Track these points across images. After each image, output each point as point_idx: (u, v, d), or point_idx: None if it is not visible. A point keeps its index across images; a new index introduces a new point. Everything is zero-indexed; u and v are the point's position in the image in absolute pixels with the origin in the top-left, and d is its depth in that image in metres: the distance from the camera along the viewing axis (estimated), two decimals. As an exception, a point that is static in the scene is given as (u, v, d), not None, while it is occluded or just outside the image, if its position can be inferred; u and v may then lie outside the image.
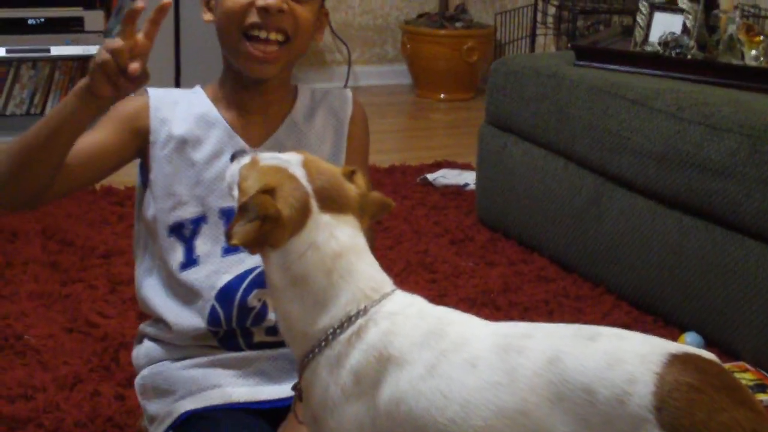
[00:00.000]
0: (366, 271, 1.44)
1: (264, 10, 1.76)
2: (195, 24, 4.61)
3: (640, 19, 3.13)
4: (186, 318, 1.82)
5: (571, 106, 3.04)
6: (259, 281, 1.77)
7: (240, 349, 1.83)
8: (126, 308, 2.70)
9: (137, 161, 1.89)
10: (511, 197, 3.34)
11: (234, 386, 1.80)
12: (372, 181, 1.85)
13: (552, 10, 5.19)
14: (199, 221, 1.83)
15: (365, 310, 1.41)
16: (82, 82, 1.62)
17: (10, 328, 2.55)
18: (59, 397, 2.24)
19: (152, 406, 1.87)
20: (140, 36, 1.58)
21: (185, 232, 1.83)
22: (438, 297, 2.81)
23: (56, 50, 4.44)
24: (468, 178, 3.90)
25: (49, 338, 2.52)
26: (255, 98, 1.87)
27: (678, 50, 3.03)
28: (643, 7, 3.12)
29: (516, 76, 3.29)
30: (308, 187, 1.44)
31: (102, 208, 3.50)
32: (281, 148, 1.62)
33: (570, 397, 1.26)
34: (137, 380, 1.92)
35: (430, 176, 3.97)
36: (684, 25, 3.04)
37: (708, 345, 2.56)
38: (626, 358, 1.25)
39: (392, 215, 3.32)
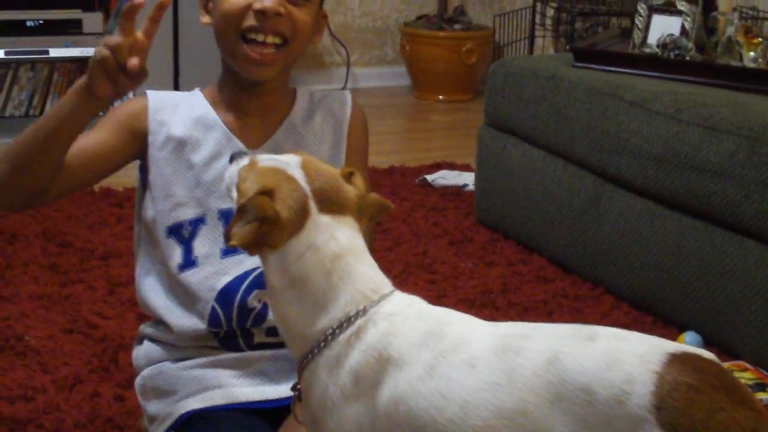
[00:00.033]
0: (365, 273, 1.44)
1: (261, 14, 1.76)
2: (193, 26, 4.61)
3: (639, 21, 3.13)
4: (186, 319, 1.82)
5: (570, 107, 3.04)
6: (259, 282, 1.77)
7: (240, 350, 1.83)
8: (125, 309, 2.71)
9: (137, 163, 1.89)
10: (510, 198, 3.34)
11: (236, 386, 1.81)
12: (371, 183, 1.86)
13: (550, 12, 5.19)
14: (197, 223, 1.83)
15: (364, 311, 1.41)
16: (81, 81, 1.62)
17: (10, 329, 2.55)
18: (59, 398, 2.24)
19: (152, 407, 1.87)
20: (139, 34, 1.58)
21: (184, 233, 1.83)
22: (437, 298, 2.82)
23: (55, 52, 4.44)
24: (467, 179, 3.91)
25: (49, 339, 2.52)
26: (253, 100, 1.87)
27: (676, 52, 3.03)
28: (642, 9, 3.12)
29: (515, 78, 3.29)
30: (307, 189, 1.44)
31: (101, 209, 3.50)
32: (280, 150, 1.62)
33: (569, 397, 1.26)
34: (137, 381, 1.92)
35: (429, 177, 3.97)
36: (682, 27, 3.05)
37: (707, 344, 2.56)
38: (625, 358, 1.25)
39: (391, 216, 3.32)
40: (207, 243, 1.82)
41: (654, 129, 2.74)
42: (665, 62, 3.03)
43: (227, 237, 1.40)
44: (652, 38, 3.10)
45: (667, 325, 2.74)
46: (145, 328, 1.92)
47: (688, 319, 2.68)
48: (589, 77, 3.05)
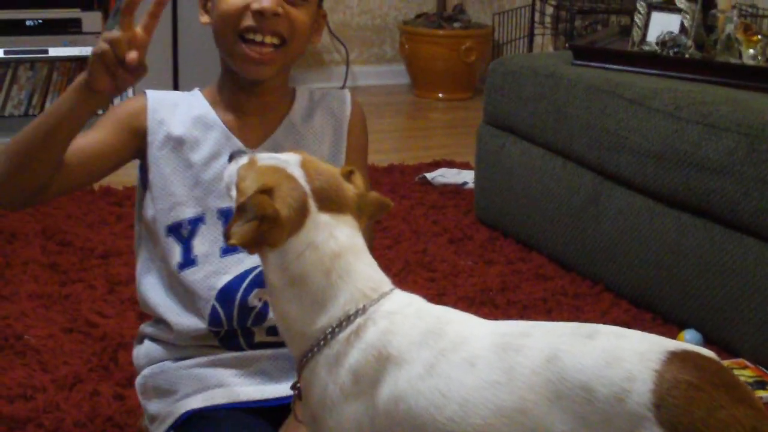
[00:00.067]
0: (364, 271, 1.44)
1: (259, 14, 1.76)
2: (192, 26, 4.61)
3: (638, 19, 3.13)
4: (186, 318, 1.82)
5: (569, 105, 3.04)
6: (259, 281, 1.77)
7: (241, 349, 1.83)
8: (125, 308, 2.71)
9: (136, 162, 1.89)
10: (509, 196, 3.35)
11: (236, 386, 1.81)
12: (370, 181, 1.85)
13: (550, 10, 5.19)
14: (197, 222, 1.83)
15: (364, 310, 1.41)
16: (81, 77, 1.62)
17: (9, 329, 2.56)
18: (59, 397, 2.24)
19: (153, 406, 1.87)
20: (139, 29, 1.58)
21: (183, 232, 1.83)
22: (437, 296, 2.82)
23: (54, 51, 4.44)
24: (467, 177, 3.91)
25: (49, 338, 2.52)
26: (252, 100, 1.87)
27: (676, 50, 3.03)
28: (641, 6, 3.12)
29: (514, 76, 3.29)
30: (306, 187, 1.44)
31: (101, 208, 3.50)
32: (279, 150, 1.62)
33: (568, 395, 1.26)
34: (138, 380, 1.92)
35: (428, 175, 3.97)
36: (682, 24, 3.05)
37: (707, 342, 2.56)
38: (625, 356, 1.25)
39: (391, 214, 3.33)
40: (206, 242, 1.82)
41: (653, 127, 2.74)
42: (664, 60, 3.03)
43: (227, 236, 1.40)
44: (652, 36, 3.10)
45: (666, 322, 2.75)
46: (146, 328, 1.92)
47: (687, 317, 2.68)
48: (589, 75, 3.05)
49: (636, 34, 3.14)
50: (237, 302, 1.79)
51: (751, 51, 2.92)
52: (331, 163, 1.57)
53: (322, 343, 1.41)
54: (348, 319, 1.41)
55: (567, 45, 4.19)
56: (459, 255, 3.23)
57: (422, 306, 1.45)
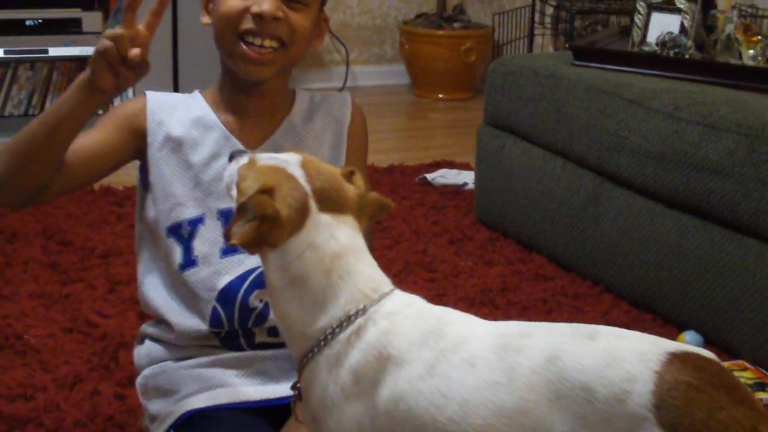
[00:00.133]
0: (365, 271, 1.44)
1: (259, 17, 1.75)
2: (193, 27, 4.62)
3: (638, 19, 3.13)
4: (188, 319, 1.82)
5: (569, 106, 3.04)
6: (260, 282, 1.77)
7: (242, 350, 1.83)
8: (125, 308, 2.71)
9: (137, 162, 1.89)
10: (509, 197, 3.35)
11: (237, 386, 1.81)
12: (371, 181, 1.85)
13: (550, 11, 5.19)
14: (196, 222, 1.83)
15: (364, 310, 1.41)
16: (82, 76, 1.62)
17: (10, 328, 2.56)
18: (59, 396, 2.24)
19: (153, 406, 1.87)
20: (141, 27, 1.59)
21: (183, 232, 1.83)
22: (437, 296, 2.82)
23: (54, 51, 4.44)
24: (467, 178, 3.91)
25: (49, 338, 2.52)
26: (252, 101, 1.87)
27: (676, 50, 3.03)
28: (641, 7, 3.12)
29: (514, 77, 3.29)
30: (307, 187, 1.44)
31: (101, 208, 3.50)
32: (278, 151, 1.62)
33: (569, 395, 1.26)
34: (138, 380, 1.92)
35: (429, 176, 3.97)
36: (682, 25, 3.05)
37: (707, 344, 2.56)
38: (625, 356, 1.25)
39: (391, 215, 3.33)
40: (206, 243, 1.82)
41: (653, 127, 2.74)
42: (664, 60, 3.03)
43: (227, 236, 1.40)
44: (652, 36, 3.10)
45: (666, 323, 2.75)
46: (147, 328, 1.92)
47: (687, 318, 2.68)
48: (589, 75, 3.05)
49: (636, 34, 3.14)
50: (238, 303, 1.80)
51: (751, 51, 2.92)
52: (330, 164, 1.57)
53: (322, 343, 1.41)
54: (348, 319, 1.41)
55: (567, 45, 4.19)
56: (459, 255, 3.23)
57: (422, 306, 1.45)
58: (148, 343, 1.91)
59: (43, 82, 4.52)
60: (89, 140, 1.77)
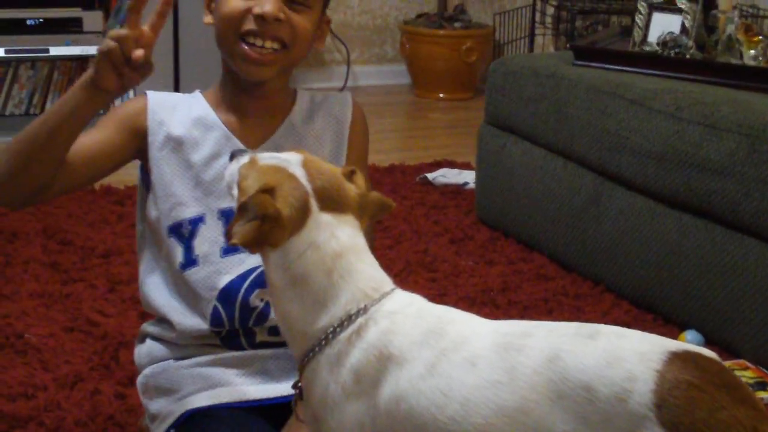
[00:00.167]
0: (366, 271, 1.45)
1: (260, 18, 1.75)
2: (194, 27, 4.61)
3: (639, 19, 3.13)
4: (189, 318, 1.82)
5: (570, 105, 3.04)
6: (261, 281, 1.77)
7: (242, 349, 1.83)
8: (126, 307, 2.71)
9: (137, 161, 1.89)
10: (510, 197, 3.35)
11: (238, 385, 1.81)
12: (371, 181, 1.86)
13: (551, 11, 5.19)
14: (197, 222, 1.83)
15: (365, 309, 1.41)
16: (86, 76, 1.62)
17: (10, 327, 2.56)
18: (60, 395, 2.24)
19: (154, 405, 1.87)
20: (145, 27, 1.59)
21: (183, 232, 1.83)
22: (438, 296, 2.82)
23: (55, 50, 4.44)
24: (468, 178, 3.91)
25: (50, 337, 2.52)
26: (253, 101, 1.87)
27: (677, 50, 3.03)
28: (642, 7, 3.12)
29: (515, 76, 3.29)
30: (308, 187, 1.44)
31: (102, 207, 3.50)
32: (279, 150, 1.62)
33: (570, 395, 1.26)
34: (139, 379, 1.92)
35: (429, 175, 3.97)
36: (682, 25, 3.05)
37: (708, 343, 2.56)
38: (626, 356, 1.25)
39: (392, 215, 3.32)
40: (206, 242, 1.82)
41: (654, 127, 2.74)
42: (665, 60, 3.03)
43: (228, 235, 1.40)
44: (653, 36, 3.10)
45: (667, 323, 2.75)
46: (148, 327, 1.92)
47: (688, 318, 2.68)
48: (589, 75, 3.05)
49: (637, 34, 3.14)
50: (238, 302, 1.80)
51: (752, 52, 2.92)
52: (331, 164, 1.57)
53: (323, 342, 1.41)
54: (349, 318, 1.41)
55: (568, 45, 4.19)
56: (460, 255, 3.23)
57: (423, 306, 1.45)
58: (149, 342, 1.91)
59: (44, 82, 4.52)
60: (90, 140, 1.77)
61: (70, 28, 4.46)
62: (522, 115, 3.26)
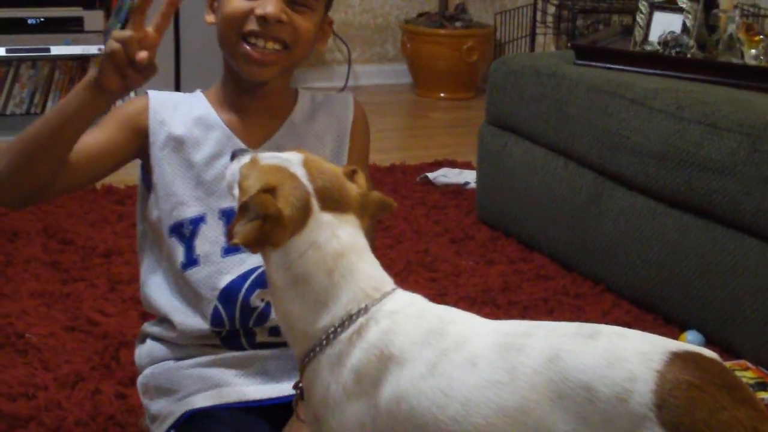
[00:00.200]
0: (367, 271, 1.45)
1: (262, 19, 1.75)
2: (195, 27, 4.62)
3: (640, 19, 3.13)
4: (190, 318, 1.82)
5: (571, 105, 3.04)
6: (262, 281, 1.77)
7: (242, 349, 1.83)
8: (126, 307, 2.71)
9: (138, 161, 1.89)
10: (511, 196, 3.34)
11: (238, 385, 1.81)
12: (372, 181, 1.86)
13: (552, 10, 5.19)
14: (198, 221, 1.83)
15: (366, 309, 1.41)
16: (89, 76, 1.62)
17: (11, 327, 2.56)
18: (60, 395, 2.24)
19: (154, 405, 1.87)
20: (150, 29, 1.59)
21: (185, 232, 1.83)
22: (438, 296, 2.82)
23: (56, 50, 4.44)
24: (468, 177, 3.90)
25: (50, 337, 2.52)
26: (255, 101, 1.87)
27: (678, 49, 3.03)
28: (643, 6, 3.12)
29: (516, 76, 3.29)
30: (309, 187, 1.44)
31: (103, 207, 3.50)
32: (280, 150, 1.63)
33: (570, 395, 1.26)
34: (139, 379, 1.92)
35: (430, 175, 3.97)
36: (684, 24, 3.05)
37: (709, 343, 2.56)
38: (626, 356, 1.25)
39: (392, 214, 3.32)
40: (207, 242, 1.82)
41: (655, 126, 2.74)
42: (666, 60, 3.03)
43: (230, 235, 1.40)
44: (654, 36, 3.10)
45: (668, 323, 2.75)
46: (148, 327, 1.92)
47: (689, 318, 2.68)
48: (590, 75, 3.05)
49: (638, 33, 3.14)
50: (239, 302, 1.80)
51: (753, 51, 2.92)
52: (332, 164, 1.57)
53: (324, 342, 1.41)
54: (350, 318, 1.41)
55: (569, 44, 4.19)
56: (460, 255, 3.23)
57: (424, 306, 1.45)
58: (149, 342, 1.91)
59: (44, 81, 4.52)
60: (91, 139, 1.77)
61: (70, 27, 4.45)
62: (523, 114, 3.26)
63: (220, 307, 1.80)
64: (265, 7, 1.75)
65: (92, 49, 4.39)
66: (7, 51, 4.38)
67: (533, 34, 5.24)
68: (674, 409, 1.20)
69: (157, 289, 1.87)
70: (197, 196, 1.83)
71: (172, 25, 4.71)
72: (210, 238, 1.82)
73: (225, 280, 1.80)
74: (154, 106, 1.85)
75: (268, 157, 1.50)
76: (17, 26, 4.40)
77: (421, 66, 5.60)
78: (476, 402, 1.31)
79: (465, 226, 3.47)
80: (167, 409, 1.83)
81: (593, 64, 3.15)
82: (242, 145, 1.81)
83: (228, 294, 1.80)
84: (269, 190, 1.41)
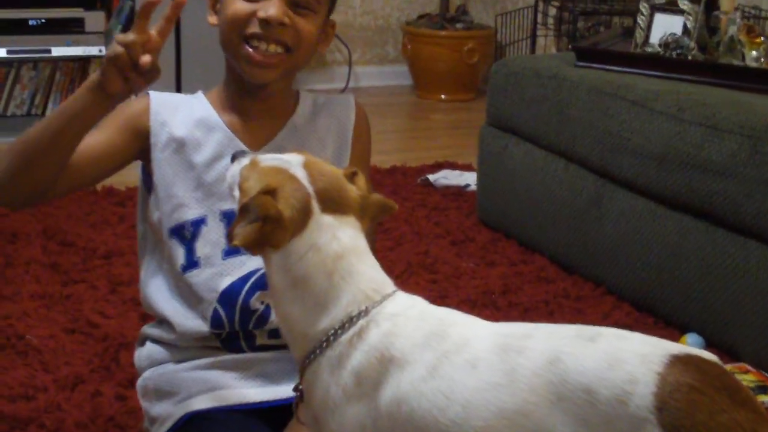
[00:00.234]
0: (367, 273, 1.44)
1: (265, 22, 1.75)
2: (196, 29, 4.61)
3: (641, 21, 3.13)
4: (190, 320, 1.82)
5: (572, 107, 3.04)
6: (262, 283, 1.77)
7: (242, 351, 1.83)
8: (127, 309, 2.71)
9: (139, 162, 1.89)
10: (511, 198, 3.34)
11: (237, 388, 1.81)
12: (372, 182, 1.86)
13: (552, 12, 5.19)
14: (199, 223, 1.83)
15: (366, 311, 1.41)
16: (92, 78, 1.62)
17: (11, 328, 2.56)
18: (60, 397, 2.24)
19: (153, 408, 1.87)
20: (153, 32, 1.59)
21: (185, 234, 1.83)
22: (439, 298, 2.82)
23: (57, 51, 4.44)
24: (469, 179, 3.90)
25: (51, 338, 2.52)
26: (256, 103, 1.87)
27: (678, 51, 3.03)
28: (644, 8, 3.12)
29: (516, 78, 3.29)
30: (309, 188, 1.44)
31: (103, 208, 3.50)
32: (281, 152, 1.63)
33: (570, 397, 1.26)
34: (139, 382, 1.92)
35: (431, 177, 3.97)
36: (684, 26, 3.05)
37: (709, 346, 2.56)
38: (626, 358, 1.25)
39: (393, 216, 3.29)
40: (208, 244, 1.82)
41: (656, 128, 2.74)
42: (667, 62, 3.03)
43: (230, 237, 1.40)
44: (654, 37, 3.09)
45: (668, 326, 2.74)
46: (147, 329, 1.92)
47: (689, 320, 2.67)
48: (591, 77, 3.05)
49: (639, 35, 3.14)
50: (239, 305, 1.79)
51: (754, 53, 2.92)
52: (334, 166, 1.57)
53: (324, 344, 1.41)
54: (350, 320, 1.41)
55: (570, 46, 4.19)
56: (461, 257, 3.23)
57: (425, 308, 1.45)
58: (148, 345, 1.91)
59: (45, 82, 4.52)
60: (92, 141, 1.77)
61: (71, 28, 4.45)
62: (523, 116, 3.26)
63: (219, 309, 1.80)
64: (268, 9, 1.75)
65: (93, 50, 4.39)
66: (8, 52, 4.38)
67: (534, 36, 5.24)
68: (674, 412, 1.20)
69: (157, 291, 1.87)
70: (198, 198, 1.83)
71: (173, 27, 4.71)
72: (211, 240, 1.82)
73: (225, 283, 1.80)
74: (156, 108, 1.85)
75: (268, 159, 1.50)
76: (18, 27, 4.40)
77: (421, 67, 5.60)
78: (476, 404, 1.31)
79: (465, 227, 3.47)
80: (166, 411, 1.83)
81: (594, 65, 3.15)
82: (243, 147, 1.81)
83: (228, 296, 1.80)
84: (269, 192, 1.41)
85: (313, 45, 1.83)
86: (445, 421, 1.32)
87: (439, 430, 1.32)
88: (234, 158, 1.56)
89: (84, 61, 4.48)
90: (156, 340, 1.89)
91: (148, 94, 1.87)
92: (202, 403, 1.80)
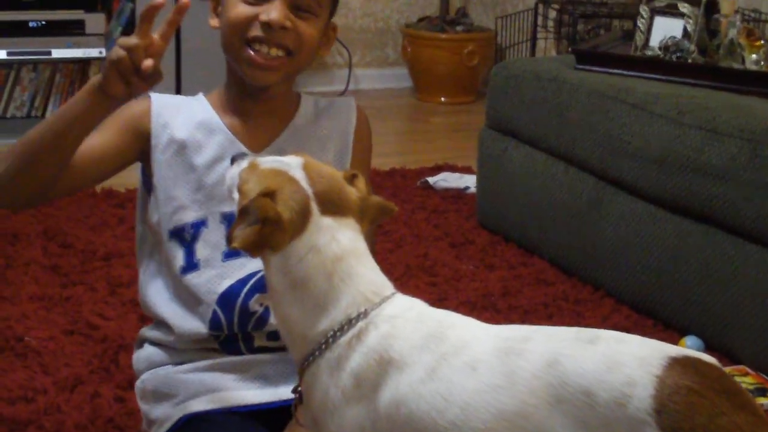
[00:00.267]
0: (366, 275, 1.45)
1: (267, 25, 1.75)
2: (196, 31, 4.60)
3: (641, 24, 3.13)
4: (189, 322, 1.82)
5: (572, 110, 3.04)
6: (261, 285, 1.77)
7: (240, 354, 1.82)
8: (126, 310, 2.71)
9: (138, 164, 1.89)
10: (511, 201, 3.34)
11: (235, 390, 1.80)
12: (372, 185, 1.86)
13: (553, 14, 5.19)
14: (199, 225, 1.83)
15: (365, 313, 1.41)
16: (94, 81, 1.62)
17: (10, 330, 2.56)
18: (60, 399, 2.24)
19: (152, 410, 1.87)
20: (155, 36, 1.59)
21: (185, 236, 1.83)
22: (438, 300, 2.82)
23: (57, 53, 4.44)
24: (469, 182, 3.90)
25: (50, 340, 2.52)
26: (257, 105, 1.87)
27: (678, 54, 3.03)
28: (644, 11, 3.12)
29: (516, 80, 3.29)
30: (309, 190, 1.44)
31: (103, 210, 3.50)
32: (282, 155, 1.63)
33: (569, 399, 1.26)
34: (137, 384, 1.92)
35: (430, 179, 3.97)
36: (685, 29, 3.05)
37: (708, 349, 2.55)
38: (626, 361, 1.25)
39: (392, 218, 3.31)
40: (208, 246, 1.82)
41: (655, 132, 2.74)
42: (667, 65, 3.03)
43: (229, 239, 1.40)
44: (654, 40, 3.10)
45: (667, 329, 2.74)
46: (146, 332, 1.92)
47: (688, 323, 2.67)
48: (591, 79, 3.05)
49: (639, 38, 3.14)
50: (238, 307, 1.79)
51: (754, 56, 2.92)
52: (334, 168, 1.57)
53: (323, 346, 1.41)
54: (350, 322, 1.41)
55: (570, 49, 4.18)
56: (460, 259, 3.23)
57: (424, 310, 1.45)
58: (147, 347, 1.91)
59: (45, 84, 4.52)
60: (93, 142, 1.77)
61: (72, 30, 4.46)
62: (523, 119, 3.26)
63: (218, 311, 1.80)
64: (270, 13, 1.75)
65: (93, 52, 4.39)
66: (8, 54, 4.38)
67: (534, 39, 5.24)
68: (673, 414, 1.20)
69: (156, 293, 1.87)
70: (198, 200, 1.83)
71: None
72: (211, 242, 1.82)
73: (224, 285, 1.80)
74: (157, 109, 1.85)
75: (267, 161, 1.50)
76: (18, 29, 4.40)
77: (421, 70, 5.60)
78: (475, 406, 1.31)
79: (465, 230, 3.47)
80: (165, 413, 1.83)
81: (594, 68, 3.15)
82: (244, 150, 1.81)
83: (227, 298, 1.80)
84: (269, 194, 1.41)
85: (315, 48, 1.83)
86: (444, 423, 1.32)
87: (437, 432, 1.32)
88: (233, 161, 1.56)
89: (84, 63, 4.48)
90: (154, 343, 1.89)
91: (149, 95, 1.87)
92: (200, 405, 1.79)
